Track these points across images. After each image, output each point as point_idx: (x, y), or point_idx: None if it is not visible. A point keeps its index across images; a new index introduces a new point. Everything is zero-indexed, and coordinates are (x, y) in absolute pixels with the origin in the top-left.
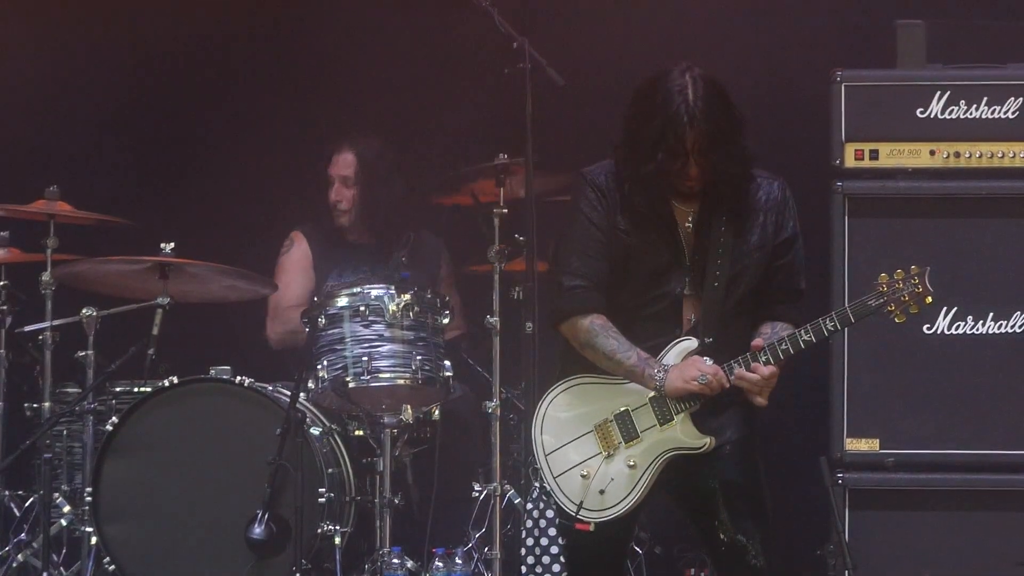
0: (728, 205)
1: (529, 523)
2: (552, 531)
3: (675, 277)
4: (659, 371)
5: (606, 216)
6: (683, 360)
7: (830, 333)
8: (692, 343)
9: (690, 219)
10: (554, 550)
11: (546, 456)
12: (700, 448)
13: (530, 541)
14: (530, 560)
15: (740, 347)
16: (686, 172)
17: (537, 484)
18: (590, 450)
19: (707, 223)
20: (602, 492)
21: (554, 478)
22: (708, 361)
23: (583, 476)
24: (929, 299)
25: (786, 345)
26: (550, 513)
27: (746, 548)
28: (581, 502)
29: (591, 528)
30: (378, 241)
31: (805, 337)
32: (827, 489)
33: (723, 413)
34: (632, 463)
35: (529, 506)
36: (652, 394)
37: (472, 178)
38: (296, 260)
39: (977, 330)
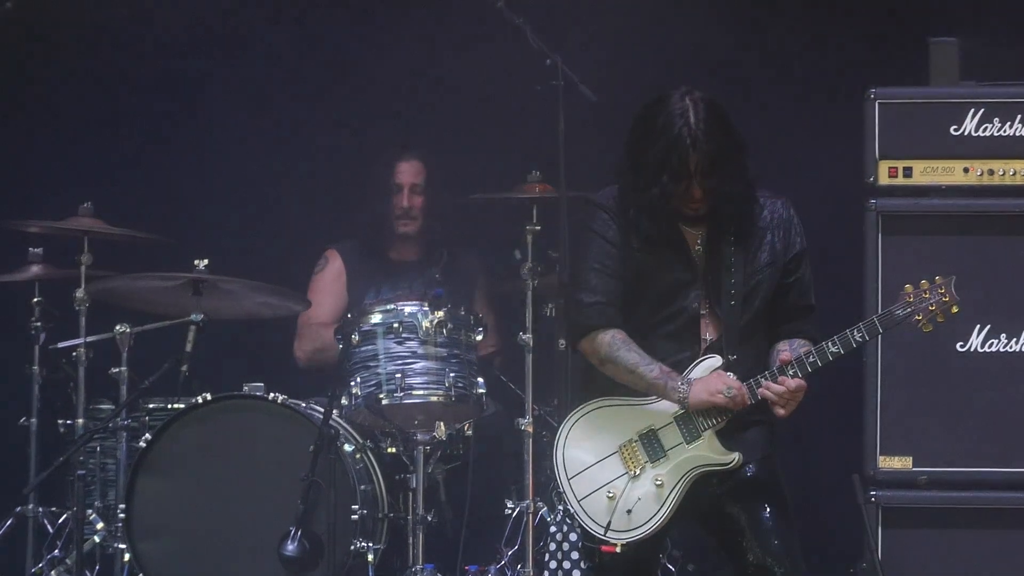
0: (734, 227)
1: (553, 546)
2: (575, 555)
3: (691, 295)
4: (683, 383)
5: (619, 235)
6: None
7: (858, 344)
8: (716, 360)
9: (699, 242)
10: (576, 574)
11: (569, 480)
12: (729, 464)
13: (553, 564)
14: None
15: (758, 364)
16: (690, 194)
17: (561, 507)
18: (615, 471)
19: (716, 244)
20: (629, 512)
21: (578, 501)
22: (732, 376)
23: (609, 497)
24: (955, 308)
25: (814, 358)
26: (573, 536)
27: (773, 570)
28: (609, 523)
29: (618, 549)
30: (420, 258)
31: (833, 349)
32: (860, 507)
33: (747, 431)
34: (659, 482)
35: (553, 529)
36: (677, 412)
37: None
38: (329, 279)
39: (1011, 348)
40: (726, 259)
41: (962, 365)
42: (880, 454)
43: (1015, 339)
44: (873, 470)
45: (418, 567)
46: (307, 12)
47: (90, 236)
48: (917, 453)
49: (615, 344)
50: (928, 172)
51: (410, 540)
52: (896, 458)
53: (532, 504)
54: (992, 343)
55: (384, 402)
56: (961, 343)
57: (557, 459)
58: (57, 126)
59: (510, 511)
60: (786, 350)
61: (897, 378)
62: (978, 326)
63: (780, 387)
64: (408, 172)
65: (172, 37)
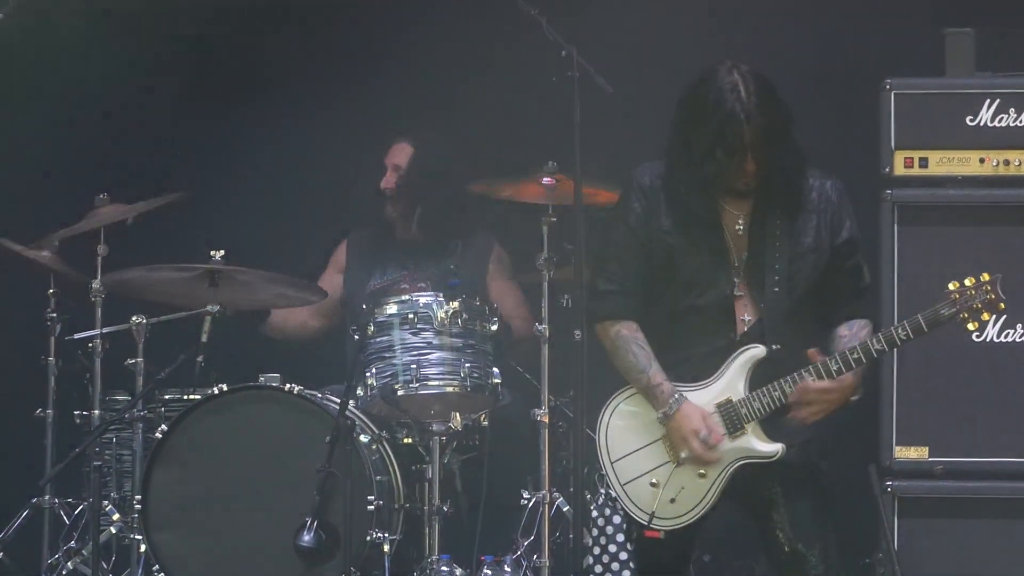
0: (781, 203)
1: (595, 531)
2: (620, 537)
3: (723, 278)
4: (672, 403)
5: (648, 220)
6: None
7: (902, 342)
8: (760, 351)
9: (740, 221)
10: (623, 556)
11: (612, 464)
12: (771, 456)
13: (596, 550)
14: (598, 569)
15: (804, 351)
16: (743, 168)
17: (603, 491)
18: (658, 458)
19: (760, 224)
20: (672, 501)
21: (622, 486)
22: (717, 419)
23: (652, 484)
24: (1002, 305)
25: (858, 354)
26: (617, 519)
27: (806, 558)
28: (653, 512)
29: (661, 535)
30: (425, 238)
31: (877, 346)
32: (876, 497)
33: (790, 416)
34: (702, 472)
35: (595, 513)
36: (721, 402)
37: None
38: (330, 272)
39: None
40: (770, 240)
41: (978, 355)
42: (896, 444)
43: None
44: (889, 460)
45: (434, 557)
46: (324, 3)
47: (107, 229)
48: (933, 443)
49: (619, 339)
50: (944, 163)
51: (426, 530)
52: (912, 448)
53: (548, 494)
54: (1008, 333)
55: (400, 393)
56: (977, 333)
57: (600, 442)
58: (71, 118)
59: (526, 501)
60: (846, 335)
61: (913, 368)
62: (994, 316)
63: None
64: (395, 153)
65: (182, 27)
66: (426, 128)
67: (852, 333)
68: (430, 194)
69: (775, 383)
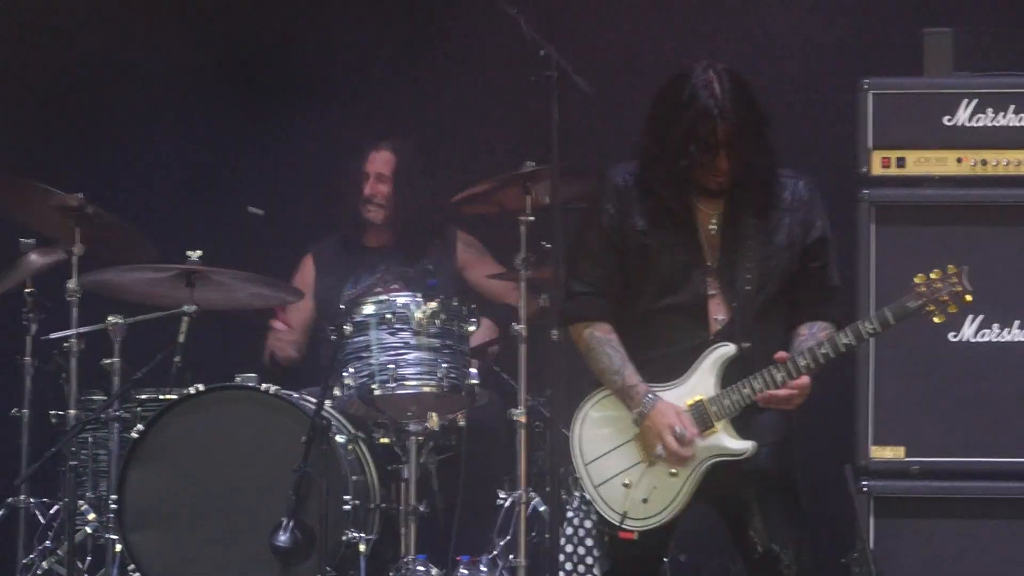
0: (754, 203)
1: (569, 530)
2: (589, 541)
3: (696, 277)
4: (647, 402)
5: (621, 221)
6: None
7: (870, 335)
8: (730, 350)
9: (714, 220)
10: (589, 560)
11: (585, 466)
12: (742, 454)
13: (569, 548)
14: (568, 567)
15: (774, 349)
16: (716, 166)
17: (578, 493)
18: (631, 459)
19: (732, 223)
20: (645, 501)
21: (595, 487)
22: (689, 416)
23: (625, 485)
24: (968, 297)
25: (826, 349)
26: (588, 523)
27: (779, 557)
28: (625, 512)
29: (635, 537)
30: (397, 243)
31: (844, 340)
32: (852, 497)
33: (762, 414)
34: (674, 471)
35: (570, 514)
36: (692, 401)
37: (498, 190)
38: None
39: (1003, 338)
40: (743, 238)
41: (954, 355)
42: (872, 444)
43: (1007, 329)
44: (865, 460)
45: (410, 557)
46: (297, 5)
47: (82, 228)
48: (909, 443)
49: (593, 341)
50: (921, 162)
51: (402, 530)
52: (888, 448)
53: (524, 494)
54: (984, 333)
55: (377, 393)
56: (953, 333)
57: (573, 445)
58: (45, 118)
59: (502, 501)
60: (805, 334)
61: (889, 368)
62: (970, 316)
63: (781, 393)
64: (377, 161)
65: (156, 30)
66: (405, 137)
67: (811, 333)
68: (412, 202)
69: (744, 380)
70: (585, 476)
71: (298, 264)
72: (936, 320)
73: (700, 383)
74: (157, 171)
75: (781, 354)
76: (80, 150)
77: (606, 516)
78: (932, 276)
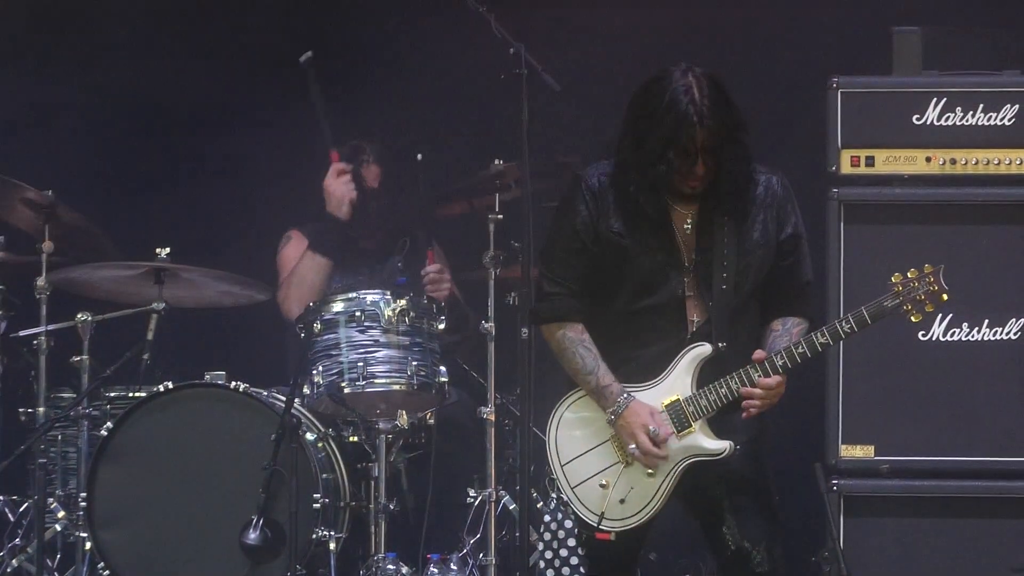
0: (729, 204)
1: (548, 535)
2: (571, 541)
3: (674, 278)
4: (621, 401)
5: (595, 222)
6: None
7: (846, 335)
8: (706, 349)
9: (689, 221)
10: (574, 561)
11: (562, 467)
12: (719, 454)
13: (549, 554)
14: (549, 573)
15: (750, 348)
16: (693, 171)
17: (555, 495)
18: (608, 460)
19: (708, 224)
20: (622, 502)
21: (572, 488)
22: (665, 415)
23: (602, 486)
24: (945, 296)
25: (803, 348)
26: (568, 524)
27: (751, 556)
28: (602, 513)
29: (612, 538)
30: (378, 245)
31: (821, 340)
32: (822, 495)
33: (735, 413)
34: (651, 472)
35: (547, 517)
36: (669, 401)
37: (470, 191)
38: (295, 253)
39: (973, 337)
40: (718, 239)
41: (924, 354)
42: (842, 443)
43: (976, 328)
44: (835, 459)
45: (380, 555)
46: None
47: (51, 224)
48: (879, 442)
49: (564, 343)
50: (890, 161)
51: (372, 528)
52: (858, 447)
53: (494, 492)
54: (954, 332)
55: (346, 390)
56: (923, 332)
57: (550, 446)
58: (18, 113)
59: (472, 499)
60: (778, 330)
61: (859, 367)
62: (940, 315)
63: (759, 391)
64: (365, 174)
65: (129, 25)
66: (387, 147)
67: (784, 330)
68: (398, 212)
69: (721, 380)
70: (562, 477)
71: (284, 236)
72: (913, 319)
73: (677, 383)
74: (125, 167)
75: (759, 353)
76: (48, 146)
77: (583, 517)
78: (909, 275)
